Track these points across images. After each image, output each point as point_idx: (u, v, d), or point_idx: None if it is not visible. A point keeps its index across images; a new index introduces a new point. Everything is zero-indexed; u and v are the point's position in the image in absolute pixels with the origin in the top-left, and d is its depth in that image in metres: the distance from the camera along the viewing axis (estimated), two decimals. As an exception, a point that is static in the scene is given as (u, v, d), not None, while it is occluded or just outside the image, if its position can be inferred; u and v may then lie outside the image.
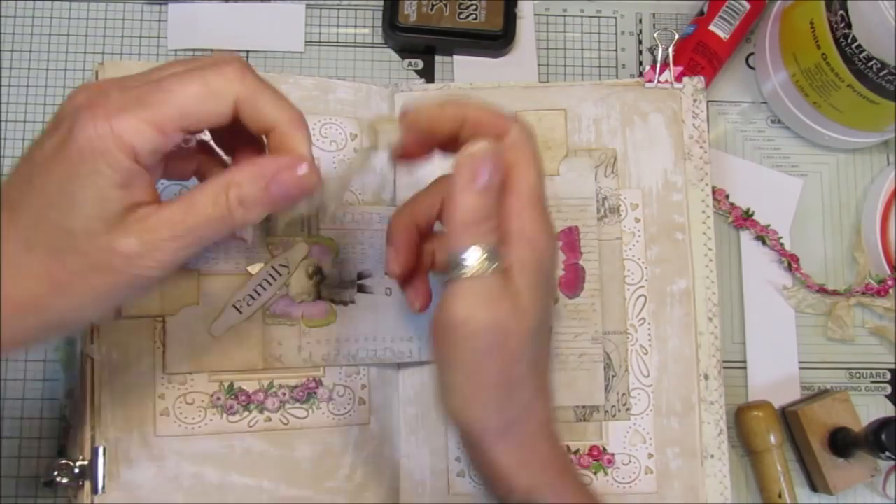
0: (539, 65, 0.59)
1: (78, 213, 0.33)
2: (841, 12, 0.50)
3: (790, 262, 0.57)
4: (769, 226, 0.57)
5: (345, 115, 0.52)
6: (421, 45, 0.59)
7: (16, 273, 0.33)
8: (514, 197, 0.37)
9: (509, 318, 0.36)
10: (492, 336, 0.36)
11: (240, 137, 0.38)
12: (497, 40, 0.58)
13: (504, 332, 0.36)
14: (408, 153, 0.40)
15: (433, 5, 0.57)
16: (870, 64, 0.50)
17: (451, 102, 0.39)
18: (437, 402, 0.41)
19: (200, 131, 0.36)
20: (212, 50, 0.58)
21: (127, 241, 0.33)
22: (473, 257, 0.35)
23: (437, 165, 0.50)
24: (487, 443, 0.38)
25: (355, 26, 0.59)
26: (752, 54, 0.61)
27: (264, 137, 0.37)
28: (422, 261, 0.44)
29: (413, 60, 0.59)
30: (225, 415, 0.47)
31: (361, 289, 0.49)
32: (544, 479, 0.39)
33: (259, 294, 0.48)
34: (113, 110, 0.32)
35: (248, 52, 0.58)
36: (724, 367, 0.51)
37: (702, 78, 0.53)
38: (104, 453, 0.45)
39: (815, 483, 0.55)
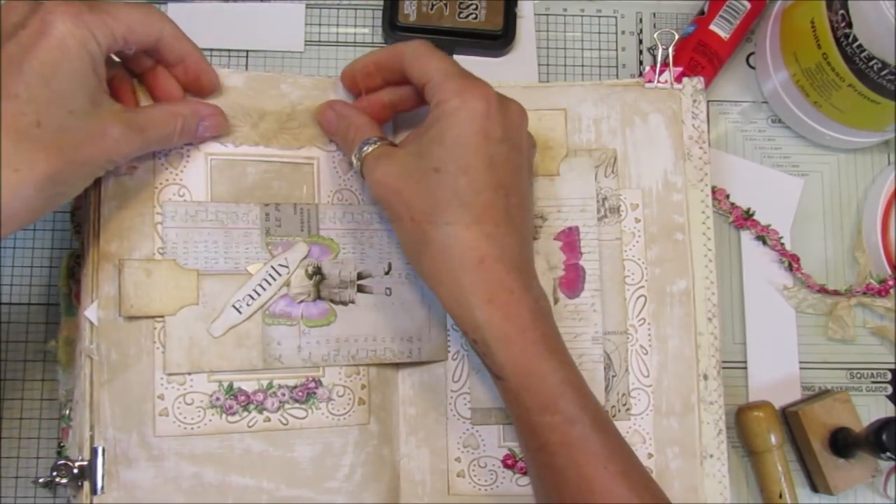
0: (539, 65, 0.59)
1: (74, 95, 0.39)
2: (842, 12, 0.50)
3: (791, 262, 0.57)
4: (770, 226, 0.57)
5: (344, 114, 0.52)
6: (421, 44, 0.58)
7: (32, 147, 0.38)
8: (427, 83, 0.45)
9: (391, 173, 0.44)
10: (387, 193, 0.45)
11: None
12: (497, 40, 0.58)
13: (390, 186, 0.44)
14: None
15: (433, 5, 0.57)
16: (870, 63, 0.50)
17: (360, 61, 0.49)
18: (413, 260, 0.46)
19: (135, 47, 0.44)
20: (212, 50, 0.58)
21: (117, 128, 0.41)
22: (362, 147, 0.46)
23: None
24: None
25: (355, 26, 0.59)
26: (752, 54, 0.60)
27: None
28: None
29: (413, 60, 0.59)
30: (224, 415, 0.47)
31: (361, 289, 0.49)
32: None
33: (259, 294, 0.48)
34: (84, 10, 0.40)
35: (248, 51, 0.58)
36: (725, 367, 0.51)
37: (701, 78, 0.53)
38: (103, 453, 0.45)
39: (816, 483, 0.55)
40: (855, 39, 0.50)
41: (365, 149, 0.46)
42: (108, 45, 0.41)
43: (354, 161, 0.47)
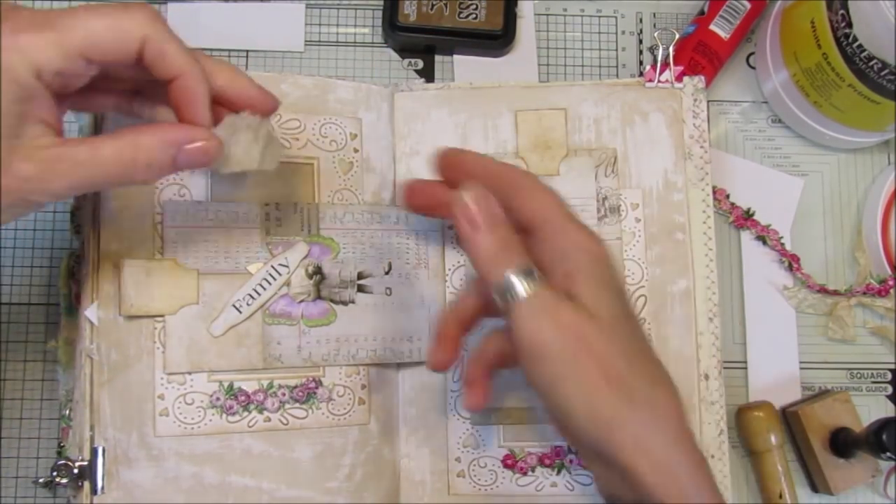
0: (539, 64, 0.59)
1: None
2: (842, 12, 0.50)
3: (791, 262, 0.57)
4: (770, 226, 0.57)
5: (345, 114, 0.52)
6: (421, 44, 0.58)
7: None
8: (546, 222, 0.40)
9: (579, 321, 0.37)
10: (572, 344, 0.36)
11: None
12: (497, 40, 0.58)
13: (581, 337, 0.37)
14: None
15: (433, 5, 0.57)
16: (871, 63, 0.50)
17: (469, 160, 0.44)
18: (560, 432, 0.41)
19: (105, 64, 0.36)
20: (211, 50, 0.58)
21: (24, 165, 0.34)
22: (515, 281, 0.37)
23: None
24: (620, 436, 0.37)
25: (355, 26, 0.59)
26: (752, 54, 0.60)
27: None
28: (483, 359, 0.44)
29: (413, 60, 0.59)
30: (224, 415, 0.47)
31: (361, 289, 0.49)
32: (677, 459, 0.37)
33: (259, 294, 0.48)
34: (22, 26, 0.33)
35: (247, 51, 0.58)
36: (725, 368, 0.51)
37: (702, 77, 0.53)
38: (103, 453, 0.45)
39: (816, 483, 0.54)
40: (855, 39, 0.50)
41: (525, 282, 0.37)
42: (55, 67, 0.34)
43: (512, 284, 0.37)
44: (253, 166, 0.41)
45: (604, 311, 0.38)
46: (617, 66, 0.60)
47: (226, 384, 0.47)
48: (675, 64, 0.53)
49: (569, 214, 0.40)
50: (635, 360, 0.38)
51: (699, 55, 0.57)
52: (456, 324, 0.44)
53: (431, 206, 0.47)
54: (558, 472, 0.50)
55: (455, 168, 0.44)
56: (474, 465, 0.50)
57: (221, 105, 0.40)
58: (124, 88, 0.41)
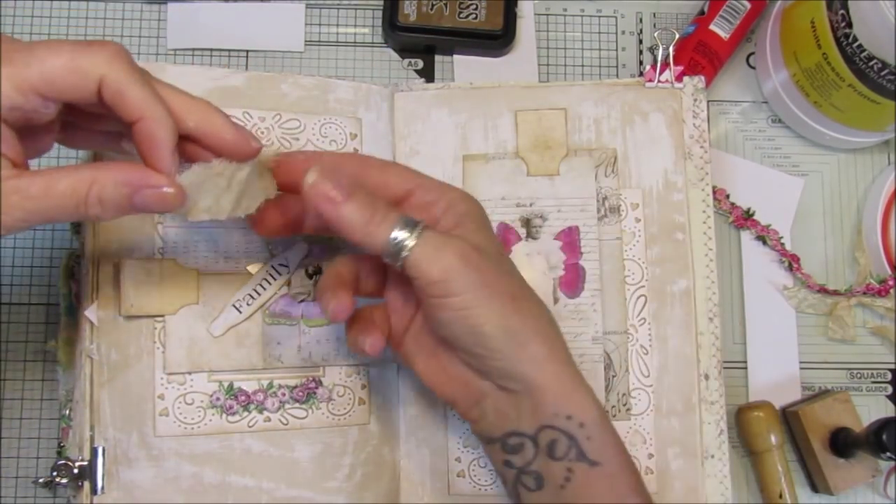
0: (539, 64, 0.59)
1: None
2: (842, 12, 0.50)
3: (791, 262, 0.57)
4: (770, 226, 0.57)
5: (345, 114, 0.52)
6: (421, 44, 0.58)
7: None
8: (419, 186, 0.42)
9: (473, 253, 0.40)
10: (474, 273, 0.39)
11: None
12: (497, 40, 0.58)
13: (479, 267, 0.39)
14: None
15: (433, 5, 0.57)
16: (871, 63, 0.50)
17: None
18: (471, 370, 0.42)
19: (60, 102, 0.35)
20: (211, 50, 0.58)
21: None
22: (400, 234, 0.39)
23: (441, 156, 0.50)
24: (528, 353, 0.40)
25: (355, 26, 0.59)
26: (752, 54, 0.60)
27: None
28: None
29: (413, 60, 0.59)
30: (224, 415, 0.47)
31: (361, 289, 0.49)
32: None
33: (259, 293, 0.48)
34: None
35: (247, 51, 0.58)
36: (725, 367, 0.51)
37: (702, 77, 0.53)
38: (103, 453, 0.45)
39: (816, 483, 0.54)
40: (855, 39, 0.50)
41: (414, 230, 0.39)
42: (9, 103, 0.34)
43: (399, 239, 0.39)
44: (222, 216, 0.39)
45: (490, 248, 0.41)
46: (617, 66, 0.60)
47: (226, 384, 0.47)
48: (675, 64, 0.53)
49: (432, 177, 0.43)
50: (523, 286, 0.42)
51: (699, 55, 0.57)
52: (341, 278, 0.43)
53: (286, 221, 0.44)
54: (558, 472, 0.50)
55: (292, 173, 0.42)
56: (474, 465, 0.50)
57: (198, 144, 0.39)
58: (109, 128, 0.40)
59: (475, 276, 0.39)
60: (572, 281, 0.51)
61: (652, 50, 0.60)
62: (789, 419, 0.55)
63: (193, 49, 0.58)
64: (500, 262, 0.42)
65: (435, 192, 0.43)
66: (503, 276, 0.41)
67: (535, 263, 0.51)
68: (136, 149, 0.37)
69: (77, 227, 0.52)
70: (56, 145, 0.40)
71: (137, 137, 0.36)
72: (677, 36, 0.55)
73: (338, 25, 0.59)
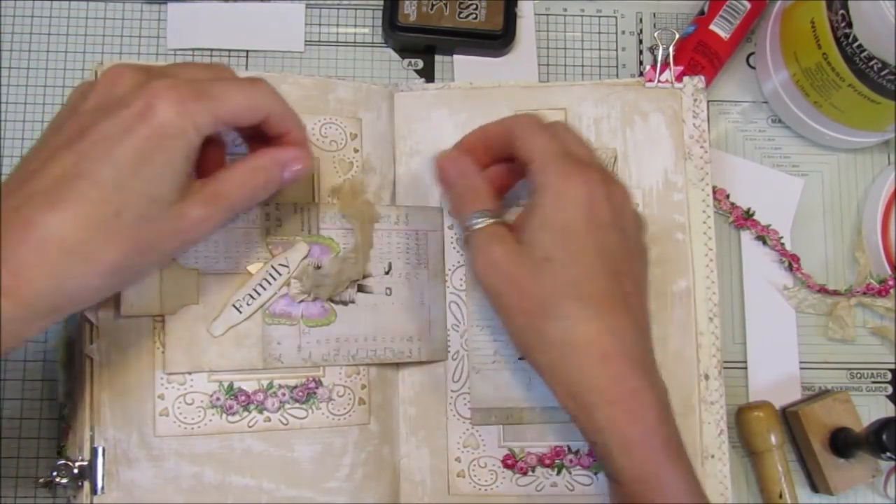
0: (539, 64, 0.59)
1: (161, 184, 0.38)
2: (842, 12, 0.50)
3: (791, 262, 0.57)
4: (770, 226, 0.57)
5: (345, 114, 0.52)
6: (421, 44, 0.58)
7: (106, 238, 0.36)
8: (531, 163, 0.44)
9: (507, 259, 0.43)
10: (501, 280, 0.43)
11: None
12: (497, 40, 0.58)
13: (508, 275, 0.42)
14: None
15: (433, 5, 0.57)
16: (871, 63, 0.50)
17: (477, 130, 0.48)
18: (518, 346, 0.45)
19: (237, 126, 0.42)
20: (211, 50, 0.58)
21: (195, 208, 0.39)
22: (472, 220, 0.44)
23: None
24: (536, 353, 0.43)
25: (355, 26, 0.59)
26: (752, 54, 0.60)
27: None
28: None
29: (413, 60, 0.59)
30: (224, 415, 0.47)
31: (361, 289, 0.49)
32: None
33: (259, 293, 0.48)
34: (189, 97, 0.38)
35: (247, 51, 0.58)
36: (725, 368, 0.51)
37: (702, 77, 0.53)
38: (103, 454, 0.45)
39: (816, 483, 0.54)
40: (855, 39, 0.50)
41: (477, 222, 0.44)
42: (209, 131, 0.39)
43: (461, 229, 0.45)
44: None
45: (538, 251, 0.42)
46: (617, 66, 0.60)
47: (226, 384, 0.47)
48: (675, 64, 0.53)
49: (556, 154, 0.43)
50: (559, 299, 0.41)
51: (699, 55, 0.57)
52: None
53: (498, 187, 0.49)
54: (558, 472, 0.50)
55: (475, 150, 0.48)
56: (474, 465, 0.50)
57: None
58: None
59: (498, 284, 0.43)
60: (572, 281, 0.51)
61: (652, 50, 0.60)
62: (789, 419, 0.55)
63: (193, 49, 0.58)
64: (540, 271, 0.42)
65: (536, 175, 0.43)
66: (530, 288, 0.42)
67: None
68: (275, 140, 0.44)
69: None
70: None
71: (278, 141, 0.43)
72: (677, 36, 0.55)
73: (338, 25, 0.59)
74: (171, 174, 0.38)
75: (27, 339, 0.37)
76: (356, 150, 0.51)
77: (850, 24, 0.50)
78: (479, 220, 0.44)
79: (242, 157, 0.43)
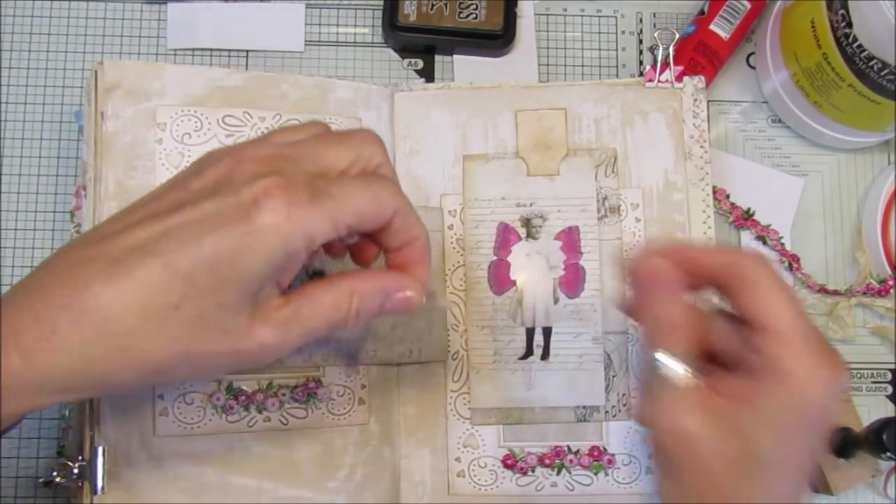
0: (539, 64, 0.59)
1: (235, 287, 0.32)
2: (842, 12, 0.50)
3: (791, 262, 0.57)
4: (770, 226, 0.57)
5: (345, 114, 0.52)
6: (421, 44, 0.58)
7: (156, 331, 0.32)
8: (773, 334, 0.35)
9: (712, 435, 0.35)
10: (686, 445, 0.35)
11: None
12: (497, 40, 0.58)
13: (699, 451, 0.35)
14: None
15: (433, 5, 0.57)
16: (871, 63, 0.50)
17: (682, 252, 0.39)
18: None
19: (360, 231, 0.37)
20: (211, 50, 0.58)
21: (264, 330, 0.34)
22: (668, 361, 0.36)
23: (441, 156, 0.50)
24: None
25: (355, 26, 0.59)
26: (752, 54, 0.60)
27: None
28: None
29: (413, 60, 0.59)
30: (224, 415, 0.47)
31: (361, 289, 0.49)
32: None
33: (259, 294, 0.48)
34: (304, 199, 0.33)
35: (247, 51, 0.58)
36: (725, 368, 0.51)
37: (702, 77, 0.53)
38: (103, 453, 0.45)
39: (816, 483, 0.54)
40: (855, 39, 0.50)
41: (671, 369, 0.36)
42: (324, 239, 0.34)
43: (660, 364, 0.36)
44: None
45: (752, 448, 0.35)
46: (617, 66, 0.60)
47: (225, 384, 0.47)
48: (675, 64, 0.53)
49: (804, 335, 0.35)
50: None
51: (699, 55, 0.57)
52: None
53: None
54: (558, 472, 0.50)
55: (681, 268, 0.38)
56: (474, 465, 0.50)
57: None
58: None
59: (686, 464, 0.35)
60: (572, 281, 0.51)
61: (652, 50, 0.60)
62: (789, 419, 0.55)
63: (193, 49, 0.58)
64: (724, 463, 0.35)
65: (784, 358, 0.35)
66: (734, 489, 0.35)
67: (535, 263, 0.51)
68: (393, 263, 0.38)
69: (77, 227, 0.52)
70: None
71: (403, 255, 0.38)
72: (677, 36, 0.55)
73: (338, 25, 0.59)
74: (252, 281, 0.33)
75: (27, 412, 0.33)
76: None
77: (850, 24, 0.50)
78: (674, 367, 0.36)
79: (340, 273, 0.37)
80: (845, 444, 0.52)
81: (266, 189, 0.32)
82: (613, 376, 0.51)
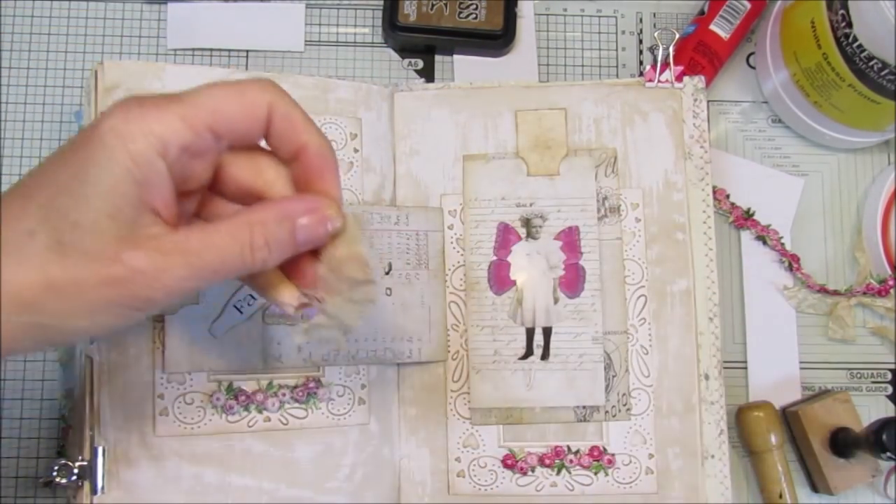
0: (539, 64, 0.59)
1: (88, 204, 0.30)
2: (842, 12, 0.50)
3: (791, 262, 0.57)
4: (770, 226, 0.57)
5: (345, 114, 0.52)
6: (421, 44, 0.58)
7: (16, 261, 0.30)
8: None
9: None
10: None
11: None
12: (497, 40, 0.58)
13: None
14: None
15: (433, 5, 0.57)
16: (871, 63, 0.50)
17: None
18: None
19: (233, 138, 0.34)
20: (211, 50, 0.58)
21: (135, 254, 0.31)
22: None
23: (441, 156, 0.50)
24: None
25: (355, 26, 0.59)
26: (752, 54, 0.60)
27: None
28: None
29: (413, 60, 0.59)
30: (224, 415, 0.47)
31: (361, 289, 0.49)
32: None
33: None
34: (148, 106, 0.31)
35: (247, 51, 0.58)
36: (725, 367, 0.51)
37: (702, 77, 0.53)
38: (104, 453, 0.45)
39: (816, 483, 0.54)
40: (855, 39, 0.50)
41: None
42: (180, 141, 0.31)
43: None
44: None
45: None
46: (617, 66, 0.60)
47: (225, 384, 0.47)
48: (675, 64, 0.53)
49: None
50: None
51: (699, 55, 0.57)
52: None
53: None
54: (558, 472, 0.50)
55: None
56: (474, 465, 0.50)
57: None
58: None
59: None
60: (572, 281, 0.51)
61: (652, 50, 0.60)
62: (789, 419, 0.55)
63: (193, 49, 0.58)
64: None
65: None
66: None
67: (535, 263, 0.51)
68: (299, 183, 0.35)
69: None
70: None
71: (302, 167, 0.35)
72: (677, 36, 0.55)
73: (338, 25, 0.59)
74: (105, 194, 0.30)
75: None
76: (356, 150, 0.51)
77: (850, 24, 0.50)
78: None
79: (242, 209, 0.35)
80: (845, 444, 0.52)
81: (110, 107, 0.31)
82: (613, 376, 0.51)
